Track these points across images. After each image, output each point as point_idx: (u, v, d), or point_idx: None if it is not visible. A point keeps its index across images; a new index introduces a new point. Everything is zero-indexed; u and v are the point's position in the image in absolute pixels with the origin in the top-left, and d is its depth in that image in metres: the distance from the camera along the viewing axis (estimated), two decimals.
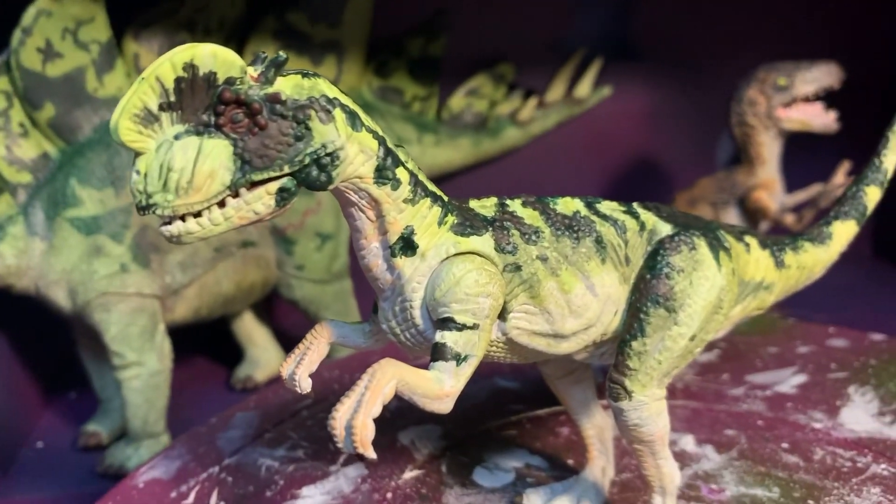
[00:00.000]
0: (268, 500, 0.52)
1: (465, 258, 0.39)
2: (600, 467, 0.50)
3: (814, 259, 0.51)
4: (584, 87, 0.95)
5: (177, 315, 0.74)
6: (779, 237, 0.51)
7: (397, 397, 0.37)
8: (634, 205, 0.45)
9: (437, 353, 0.38)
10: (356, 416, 0.35)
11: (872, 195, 0.53)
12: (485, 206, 0.42)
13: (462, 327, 0.38)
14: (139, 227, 0.69)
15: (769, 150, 0.81)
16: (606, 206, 0.44)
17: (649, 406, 0.42)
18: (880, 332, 0.68)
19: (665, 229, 0.44)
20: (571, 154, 0.97)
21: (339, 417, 0.35)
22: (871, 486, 0.50)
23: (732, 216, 0.82)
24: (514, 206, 0.42)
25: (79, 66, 0.68)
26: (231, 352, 0.88)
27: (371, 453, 0.35)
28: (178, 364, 0.78)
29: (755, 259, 0.47)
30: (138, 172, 0.34)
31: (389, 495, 0.52)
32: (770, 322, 0.70)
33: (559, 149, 0.97)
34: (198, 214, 0.35)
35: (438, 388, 0.38)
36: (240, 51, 0.77)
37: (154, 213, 0.34)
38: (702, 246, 0.43)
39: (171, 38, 0.73)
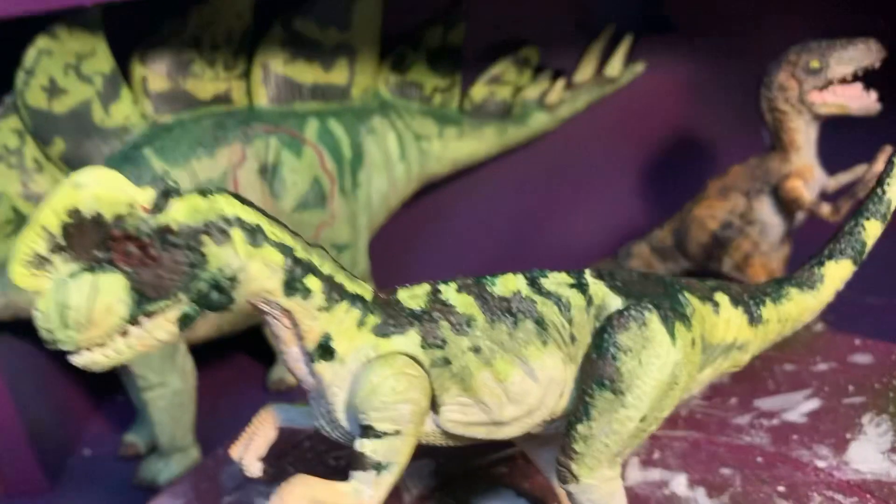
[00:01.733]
0: None
1: (385, 362, 0.38)
2: None
3: (801, 307, 0.48)
4: (615, 65, 0.91)
5: (200, 334, 0.76)
6: (761, 286, 0.48)
7: None
8: (586, 273, 0.43)
9: (357, 462, 0.38)
10: None
11: (872, 230, 0.49)
12: (415, 297, 0.41)
13: (382, 435, 0.38)
14: None
15: (804, 135, 0.76)
16: (552, 281, 0.42)
17: (599, 488, 0.41)
18: None
19: (615, 303, 0.42)
20: (604, 135, 0.93)
21: None
22: None
23: (766, 206, 0.78)
24: (448, 293, 0.41)
25: (84, 100, 0.70)
26: (269, 351, 0.90)
27: None
28: (216, 365, 0.81)
29: (725, 320, 0.45)
30: (40, 312, 0.34)
31: None
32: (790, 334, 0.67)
33: (591, 131, 0.93)
34: (103, 345, 0.35)
35: (355, 502, 0.37)
36: (248, 64, 0.77)
37: (59, 347, 0.35)
38: (653, 321, 0.41)
39: (179, 56, 0.73)
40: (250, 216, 0.37)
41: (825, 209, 0.74)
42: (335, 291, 0.39)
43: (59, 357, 0.86)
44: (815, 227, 0.75)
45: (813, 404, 0.59)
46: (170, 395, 0.73)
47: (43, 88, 0.68)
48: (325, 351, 0.39)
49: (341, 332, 0.39)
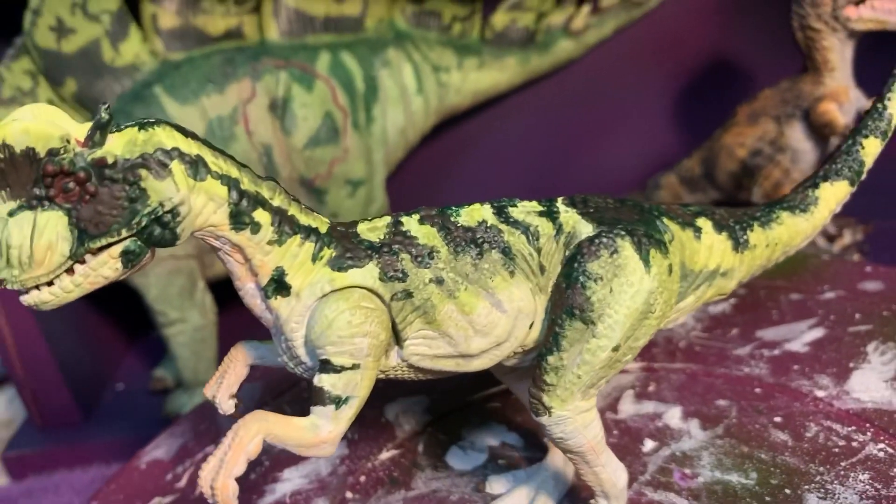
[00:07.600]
0: (250, 483, 0.54)
1: (340, 296, 0.38)
2: (561, 458, 0.48)
3: (792, 231, 0.46)
4: None
5: (218, 271, 0.77)
6: (750, 210, 0.46)
7: None
8: (558, 201, 0.42)
9: (316, 397, 0.38)
10: (217, 478, 0.36)
11: (871, 149, 0.46)
12: (375, 229, 0.40)
13: (340, 369, 0.38)
14: None
15: (838, 55, 0.71)
16: (521, 210, 0.41)
17: (572, 420, 0.40)
18: None
19: (586, 230, 0.40)
20: (632, 63, 0.90)
21: (205, 476, 0.37)
22: (861, 471, 0.46)
23: (798, 131, 0.74)
24: (409, 224, 0.40)
25: (93, 39, 0.70)
26: None
27: None
28: (239, 302, 0.82)
29: (707, 246, 0.43)
30: None
31: (363, 478, 0.53)
32: (800, 260, 0.64)
33: (618, 58, 0.90)
34: (50, 283, 0.35)
35: (313, 436, 0.38)
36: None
37: (5, 287, 0.35)
38: (625, 247, 0.39)
39: None
40: (191, 148, 0.36)
41: None
42: (286, 225, 0.38)
43: (93, 297, 0.89)
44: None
45: (817, 333, 0.57)
46: (190, 331, 0.75)
47: (51, 28, 0.69)
48: (280, 286, 0.38)
49: (295, 267, 0.38)
